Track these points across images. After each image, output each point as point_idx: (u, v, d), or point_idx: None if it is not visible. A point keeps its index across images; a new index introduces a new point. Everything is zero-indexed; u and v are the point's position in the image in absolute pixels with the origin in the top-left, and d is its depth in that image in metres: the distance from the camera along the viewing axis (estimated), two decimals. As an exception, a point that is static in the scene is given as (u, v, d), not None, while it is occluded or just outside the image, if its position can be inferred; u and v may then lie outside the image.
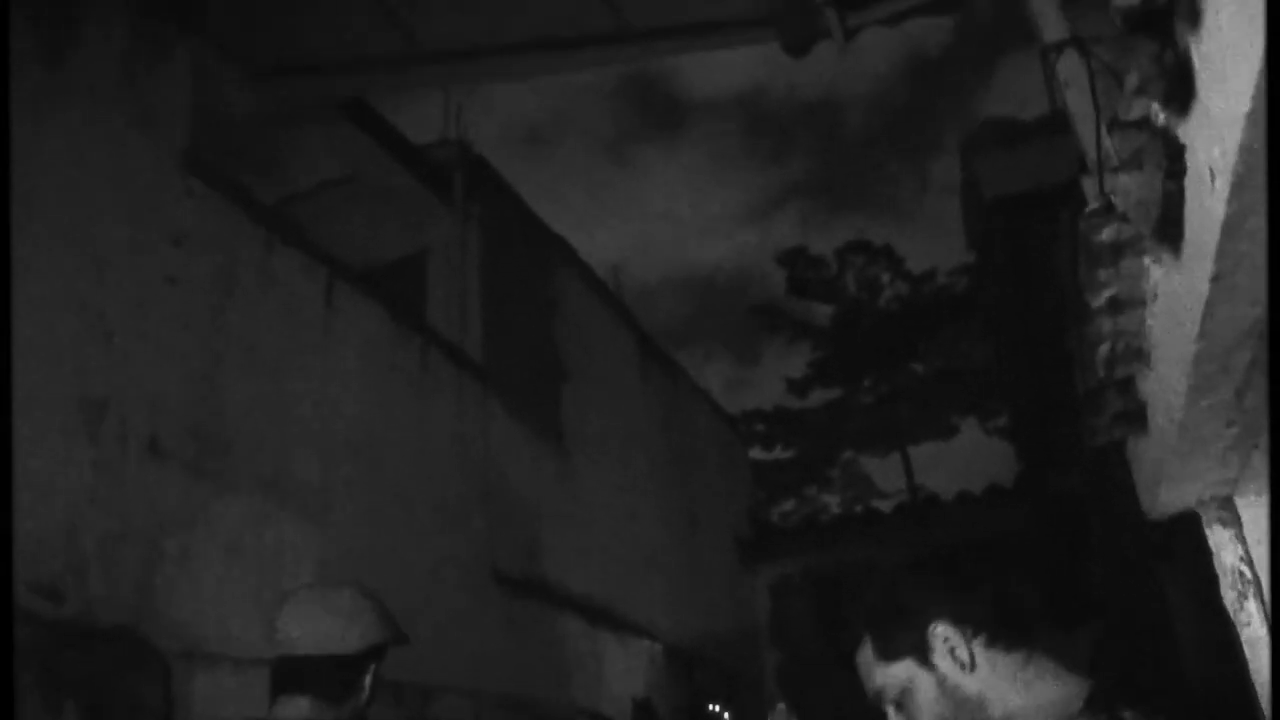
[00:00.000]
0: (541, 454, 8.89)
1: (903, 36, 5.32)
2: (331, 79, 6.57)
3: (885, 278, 29.39)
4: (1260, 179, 2.04)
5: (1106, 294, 2.90)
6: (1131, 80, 2.14)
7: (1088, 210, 2.70)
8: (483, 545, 7.68)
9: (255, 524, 5.66)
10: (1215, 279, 2.33)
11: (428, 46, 6.10)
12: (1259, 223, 2.20)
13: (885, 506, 18.32)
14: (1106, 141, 2.99)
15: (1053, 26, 4.45)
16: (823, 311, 29.86)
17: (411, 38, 6.04)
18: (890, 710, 2.09)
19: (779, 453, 29.80)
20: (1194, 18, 1.92)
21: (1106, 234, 2.67)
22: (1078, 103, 4.07)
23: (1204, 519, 3.93)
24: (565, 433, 9.36)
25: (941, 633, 2.06)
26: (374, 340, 7.12)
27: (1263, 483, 3.73)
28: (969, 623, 2.09)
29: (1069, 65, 4.23)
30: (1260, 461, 3.55)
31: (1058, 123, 4.61)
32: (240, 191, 6.29)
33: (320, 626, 2.83)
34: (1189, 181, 2.26)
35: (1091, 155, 3.41)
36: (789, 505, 30.36)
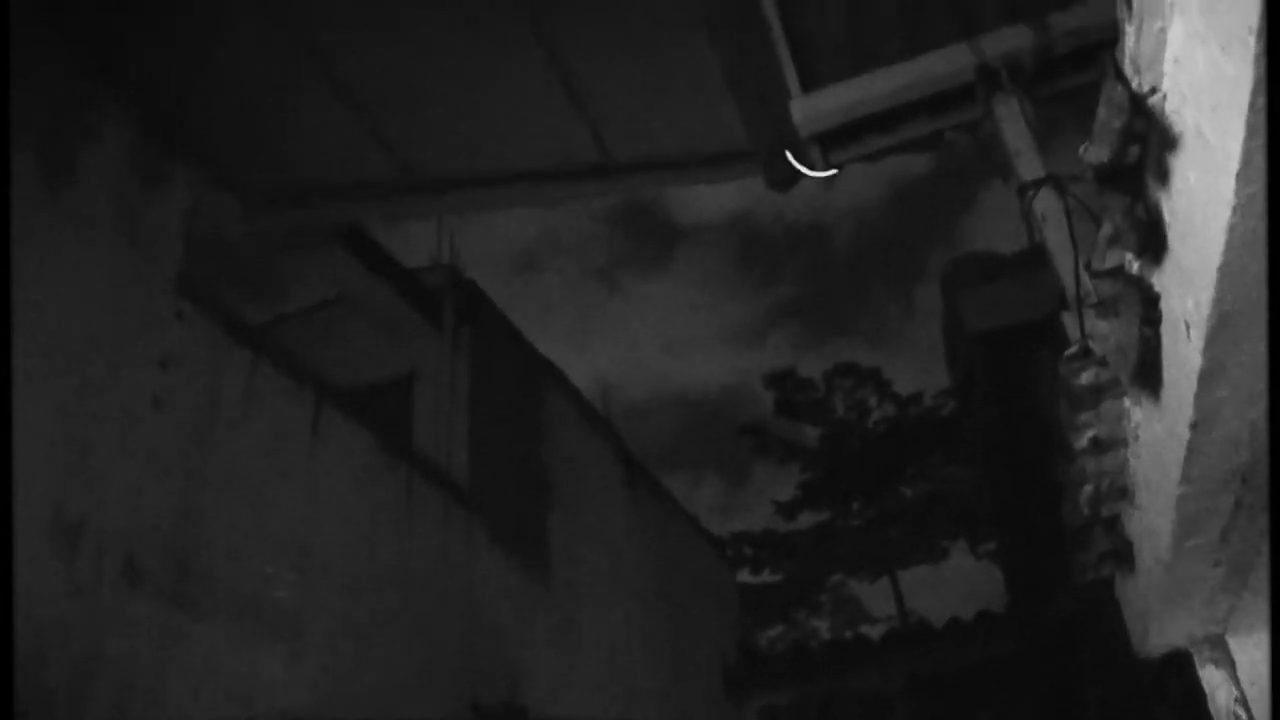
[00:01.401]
0: (525, 581, 8.75)
1: (887, 166, 5.56)
2: (326, 207, 6.69)
3: (873, 400, 29.52)
4: (1235, 330, 2.07)
5: (1088, 435, 2.91)
6: (1105, 230, 2.18)
7: (1066, 354, 2.74)
8: (463, 674, 7.49)
9: (230, 651, 5.52)
10: (1194, 425, 2.34)
11: (422, 176, 6.24)
12: (1237, 371, 2.22)
13: (875, 632, 17.98)
14: (1085, 278, 3.04)
15: (1028, 164, 4.60)
16: (811, 433, 29.90)
17: (406, 167, 6.19)
18: None
19: (767, 576, 29.43)
20: (1163, 175, 1.98)
21: (1086, 378, 2.69)
22: (1055, 239, 4.16)
23: (1196, 659, 3.86)
24: (550, 559, 9.23)
25: None
26: (359, 464, 7.07)
27: (1255, 622, 3.68)
28: None
29: (1046, 202, 4.35)
30: (1252, 601, 3.51)
31: (1036, 258, 4.70)
32: (230, 315, 6.33)
33: None
34: (1165, 329, 2.29)
35: (1071, 291, 3.46)
36: (777, 630, 29.81)
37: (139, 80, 5.73)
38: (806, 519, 29.76)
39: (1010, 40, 4.72)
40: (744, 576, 27.12)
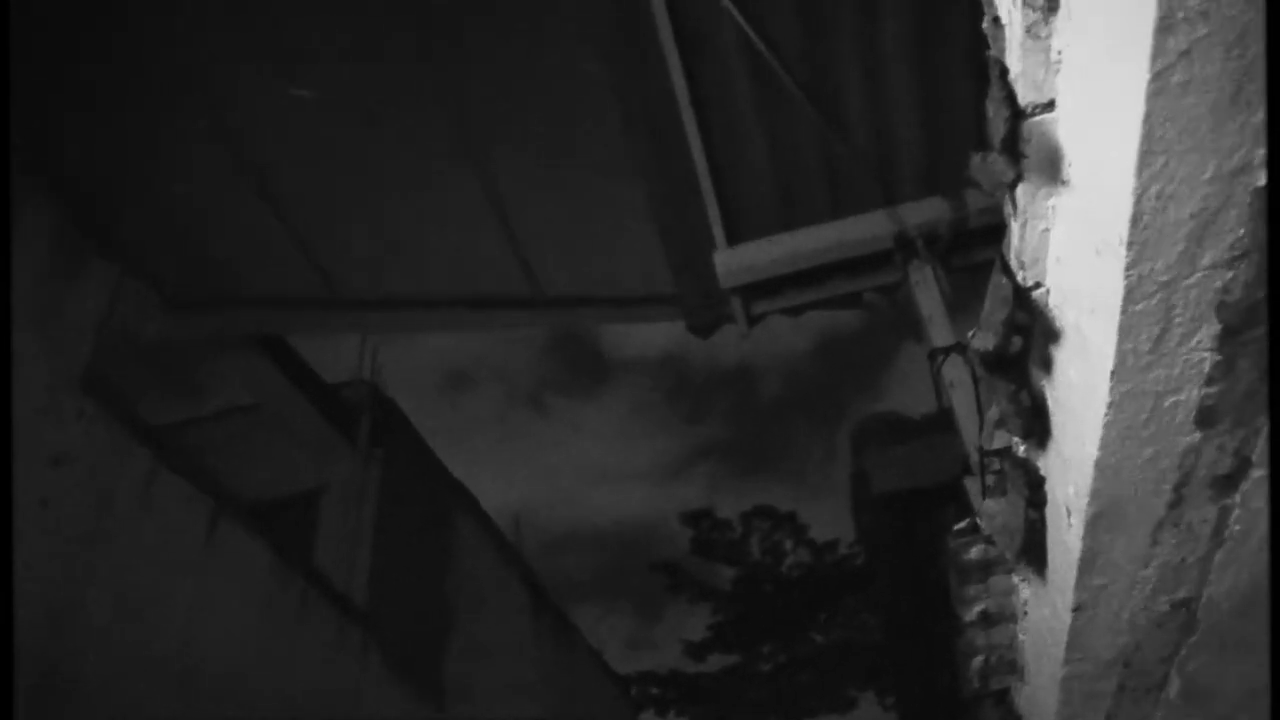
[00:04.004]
0: (418, 710, 8.42)
1: (817, 316, 5.71)
2: (248, 314, 6.61)
3: (788, 544, 29.46)
4: (1114, 521, 2.12)
5: (977, 608, 2.93)
6: (992, 414, 2.24)
7: (955, 529, 2.77)
8: (342, 811, 7.12)
9: (90, 775, 5.19)
10: (1076, 609, 2.37)
11: (348, 293, 6.22)
12: (1117, 560, 2.27)
13: (778, 787, 17.54)
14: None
15: (940, 331, 4.75)
16: (725, 574, 29.65)
17: (332, 283, 6.17)
18: None
19: (672, 719, 28.72)
20: (1047, 365, 2.05)
21: (974, 553, 2.72)
22: (962, 406, 4.27)
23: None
24: (445, 688, 8.91)
25: None
26: (253, 579, 6.81)
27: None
28: None
29: (954, 369, 4.47)
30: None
31: (944, 422, 4.81)
32: (133, 415, 6.16)
33: None
34: (1050, 512, 2.34)
35: (975, 459, 3.52)
36: (679, 779, 28.91)
37: (67, 173, 5.69)
38: (716, 661, 29.28)
39: (928, 211, 4.92)
40: (648, 718, 26.45)
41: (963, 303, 4.88)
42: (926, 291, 4.89)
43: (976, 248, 4.92)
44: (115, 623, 5.60)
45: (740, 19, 4.43)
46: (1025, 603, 2.90)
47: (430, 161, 5.30)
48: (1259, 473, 2.07)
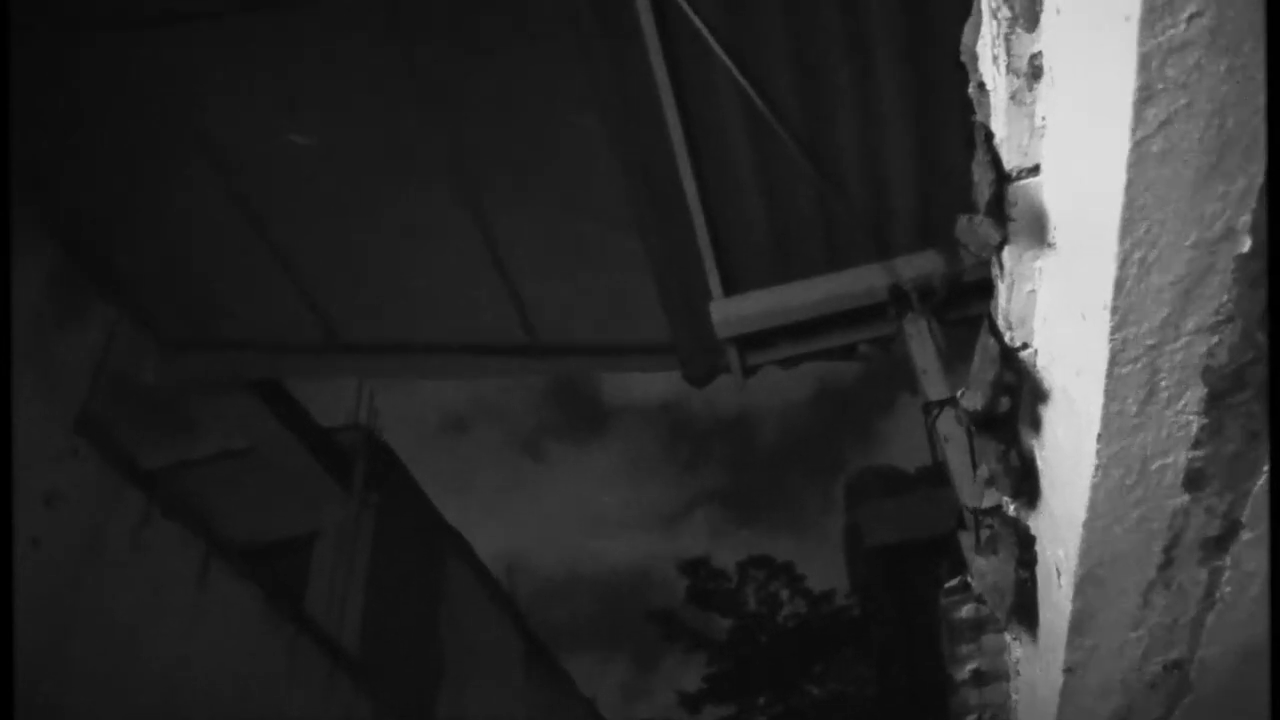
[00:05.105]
0: (406, 763, 8.31)
1: (816, 366, 5.72)
2: (245, 358, 6.62)
3: (785, 594, 29.24)
4: (1103, 583, 2.11)
5: (969, 667, 2.90)
6: (982, 472, 2.24)
7: (946, 586, 2.76)
8: None
9: (71, 822, 5.11)
10: (1068, 670, 2.35)
11: (346, 339, 6.23)
12: (1107, 622, 2.25)
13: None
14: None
15: (934, 384, 4.75)
16: (721, 623, 29.39)
17: (331, 328, 6.18)
18: None
19: (664, 771, 28.29)
20: (1036, 425, 2.05)
21: (966, 611, 2.71)
22: (956, 459, 4.25)
23: None
24: (435, 740, 8.82)
25: None
26: (244, 623, 6.76)
27: None
28: None
29: (948, 423, 4.46)
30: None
31: (938, 476, 4.80)
32: (127, 456, 6.14)
33: None
34: (1040, 572, 2.33)
35: (967, 513, 3.51)
36: (669, 834, 28.43)
37: (66, 213, 5.72)
38: (711, 712, 28.94)
39: (923, 265, 4.94)
40: (642, 769, 26.12)
41: (958, 355, 4.88)
42: (921, 344, 4.89)
43: (971, 301, 4.92)
44: (103, 664, 5.55)
45: (738, 74, 4.49)
46: (1017, 662, 2.88)
47: (429, 209, 5.34)
48: (1249, 535, 2.07)
